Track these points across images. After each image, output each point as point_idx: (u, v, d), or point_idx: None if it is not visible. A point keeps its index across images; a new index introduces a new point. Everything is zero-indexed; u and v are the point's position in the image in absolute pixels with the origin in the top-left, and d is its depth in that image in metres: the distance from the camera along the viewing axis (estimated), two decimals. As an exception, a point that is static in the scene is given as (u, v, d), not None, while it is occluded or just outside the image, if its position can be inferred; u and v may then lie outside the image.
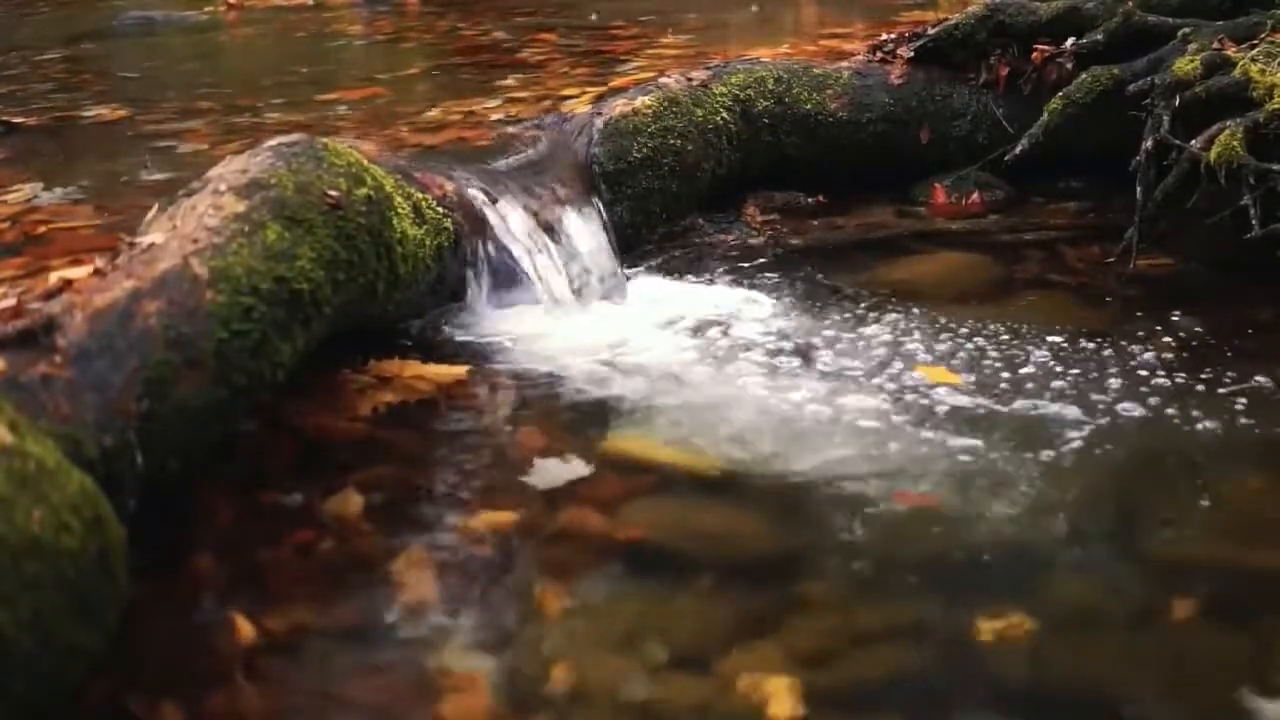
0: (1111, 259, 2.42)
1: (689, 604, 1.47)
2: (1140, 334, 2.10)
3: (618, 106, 2.59)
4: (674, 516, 1.66)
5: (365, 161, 1.98)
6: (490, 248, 2.22)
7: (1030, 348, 2.05)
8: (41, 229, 2.36)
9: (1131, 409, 1.84)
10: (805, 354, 2.07)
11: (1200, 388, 1.90)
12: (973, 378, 1.96)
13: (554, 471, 1.74)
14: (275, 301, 1.64)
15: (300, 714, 1.32)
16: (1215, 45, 2.46)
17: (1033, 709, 1.31)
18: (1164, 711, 1.31)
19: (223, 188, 1.76)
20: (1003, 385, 1.93)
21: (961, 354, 2.04)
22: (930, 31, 2.83)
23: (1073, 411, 1.84)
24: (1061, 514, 1.62)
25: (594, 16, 4.04)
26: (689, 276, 2.43)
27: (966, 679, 1.34)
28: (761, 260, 2.51)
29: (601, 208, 2.46)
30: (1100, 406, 1.85)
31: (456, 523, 1.63)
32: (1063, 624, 1.41)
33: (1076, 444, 1.76)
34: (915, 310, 2.22)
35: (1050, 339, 2.08)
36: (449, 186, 2.22)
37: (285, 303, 1.66)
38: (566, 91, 3.21)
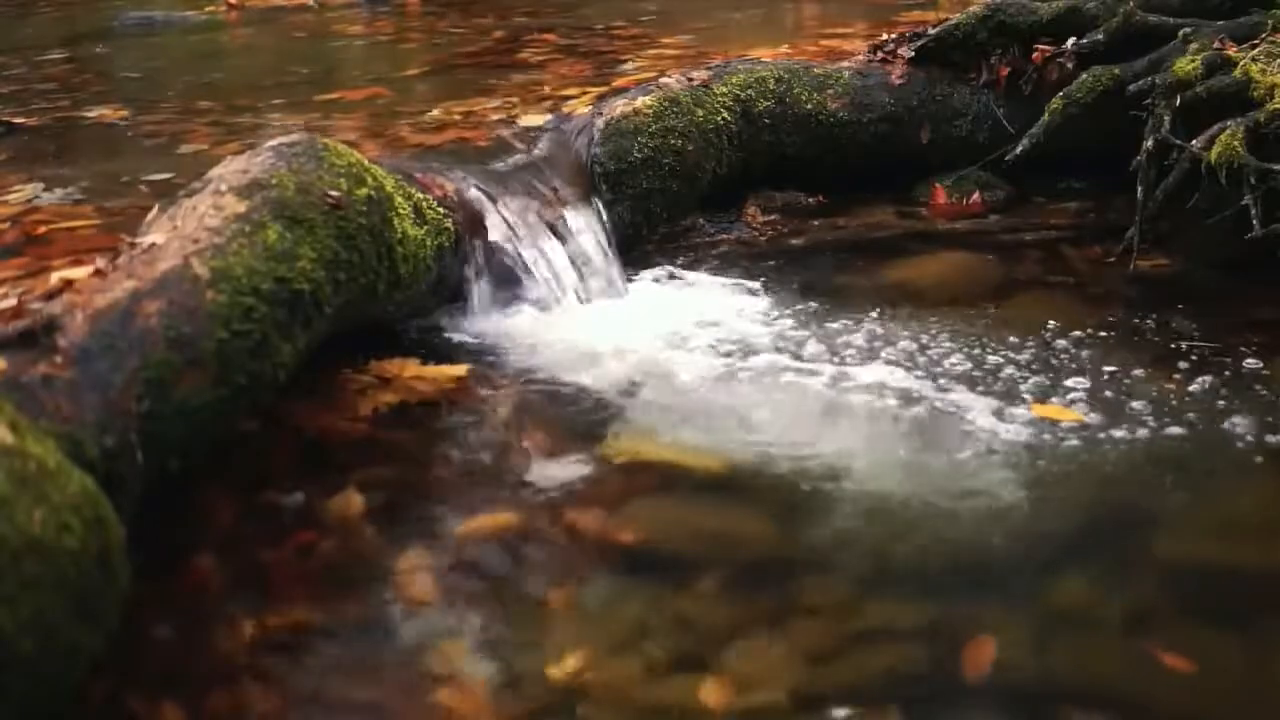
0: (1112, 259, 2.42)
1: (689, 604, 1.47)
2: (1140, 334, 2.10)
3: (618, 106, 2.59)
4: (674, 516, 1.66)
5: (366, 162, 1.98)
6: (491, 248, 2.22)
7: (1030, 347, 2.05)
8: (42, 229, 2.35)
9: (1131, 408, 1.84)
10: (805, 354, 2.07)
11: (1200, 387, 1.90)
12: (973, 378, 1.96)
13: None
14: (276, 302, 1.64)
15: (300, 714, 1.32)
16: (1216, 45, 2.46)
17: (1033, 708, 1.31)
18: (1164, 712, 1.31)
19: (224, 188, 1.76)
20: (1002, 385, 1.93)
21: (962, 354, 2.04)
22: (931, 31, 2.84)
23: (1072, 411, 1.84)
24: (1060, 514, 1.62)
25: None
26: (689, 276, 2.43)
27: (968, 679, 1.34)
28: (762, 260, 2.51)
29: (602, 208, 2.46)
30: (1099, 406, 1.85)
31: (457, 523, 1.63)
32: (1063, 624, 1.41)
33: (1076, 443, 1.76)
34: (915, 310, 2.22)
35: (1051, 339, 2.08)
36: (449, 187, 2.22)
37: (286, 303, 1.66)
38: (567, 91, 3.20)
